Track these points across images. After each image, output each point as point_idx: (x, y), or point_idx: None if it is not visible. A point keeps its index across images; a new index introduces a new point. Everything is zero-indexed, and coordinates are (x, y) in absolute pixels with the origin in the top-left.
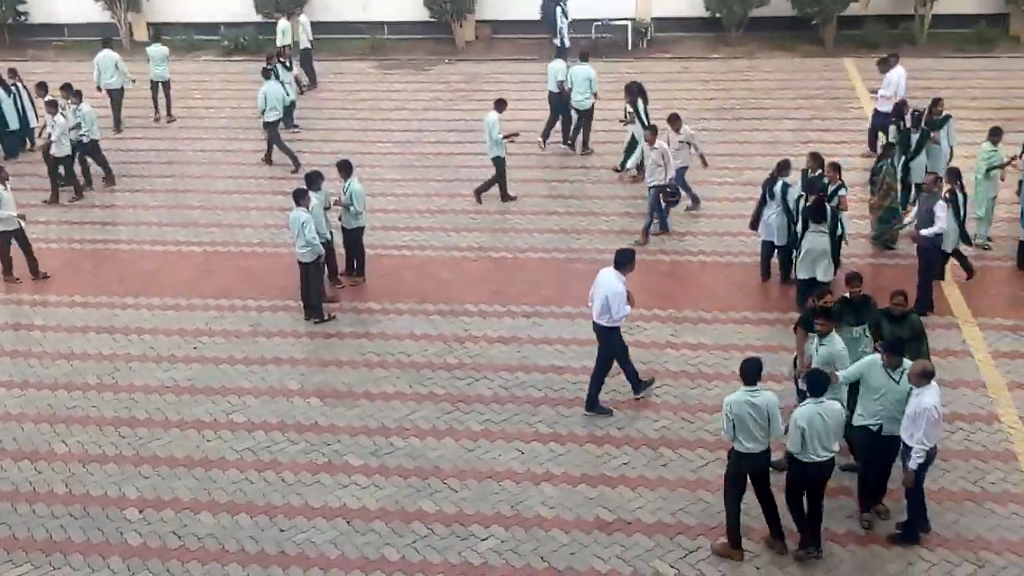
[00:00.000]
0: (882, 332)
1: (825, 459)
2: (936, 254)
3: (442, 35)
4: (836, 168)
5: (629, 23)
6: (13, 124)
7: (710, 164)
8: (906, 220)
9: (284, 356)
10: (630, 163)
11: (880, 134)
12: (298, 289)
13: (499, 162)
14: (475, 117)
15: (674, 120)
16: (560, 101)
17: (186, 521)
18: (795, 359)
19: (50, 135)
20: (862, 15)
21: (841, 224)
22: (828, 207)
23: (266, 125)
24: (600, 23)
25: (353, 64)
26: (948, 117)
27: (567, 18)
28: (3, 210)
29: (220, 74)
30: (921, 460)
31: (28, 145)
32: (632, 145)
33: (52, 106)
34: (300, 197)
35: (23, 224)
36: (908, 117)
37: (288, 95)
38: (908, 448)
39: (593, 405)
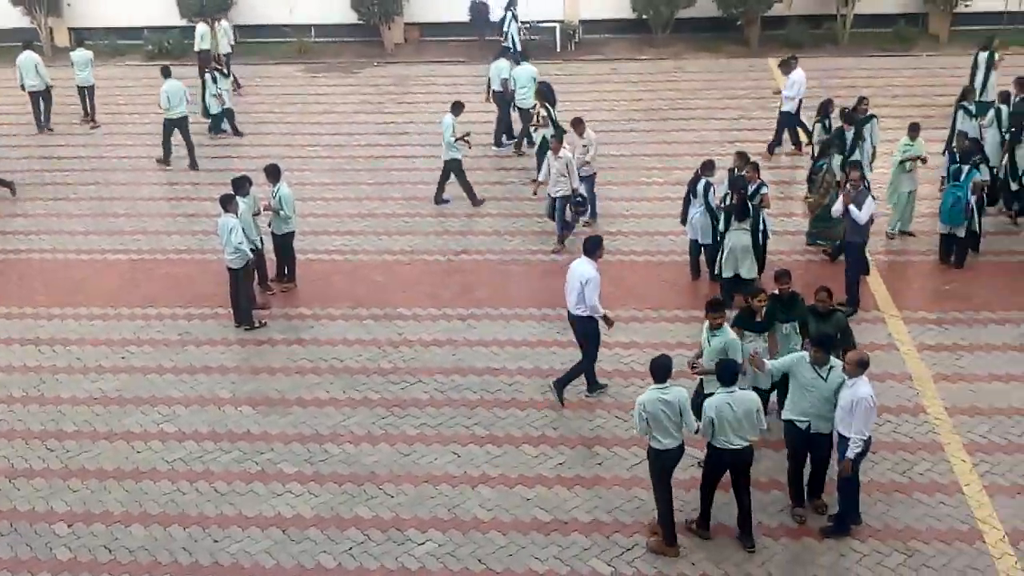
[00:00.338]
0: (809, 329)
1: (740, 447)
2: (862, 251)
3: (370, 37)
4: (755, 167)
5: (557, 25)
6: None
7: (638, 165)
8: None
9: (214, 364)
10: (540, 175)
11: (799, 131)
12: (228, 296)
13: (453, 164)
14: (406, 120)
15: (578, 124)
16: (504, 100)
17: (117, 534)
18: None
19: None
20: (785, 15)
21: (763, 222)
22: (750, 205)
23: (168, 123)
24: (529, 25)
25: (280, 68)
26: (872, 116)
27: (517, 21)
28: None
29: (144, 79)
30: (859, 449)
31: None
32: (544, 147)
33: None
34: (228, 203)
35: None
36: (836, 115)
37: (225, 102)
38: (845, 439)
39: (593, 387)
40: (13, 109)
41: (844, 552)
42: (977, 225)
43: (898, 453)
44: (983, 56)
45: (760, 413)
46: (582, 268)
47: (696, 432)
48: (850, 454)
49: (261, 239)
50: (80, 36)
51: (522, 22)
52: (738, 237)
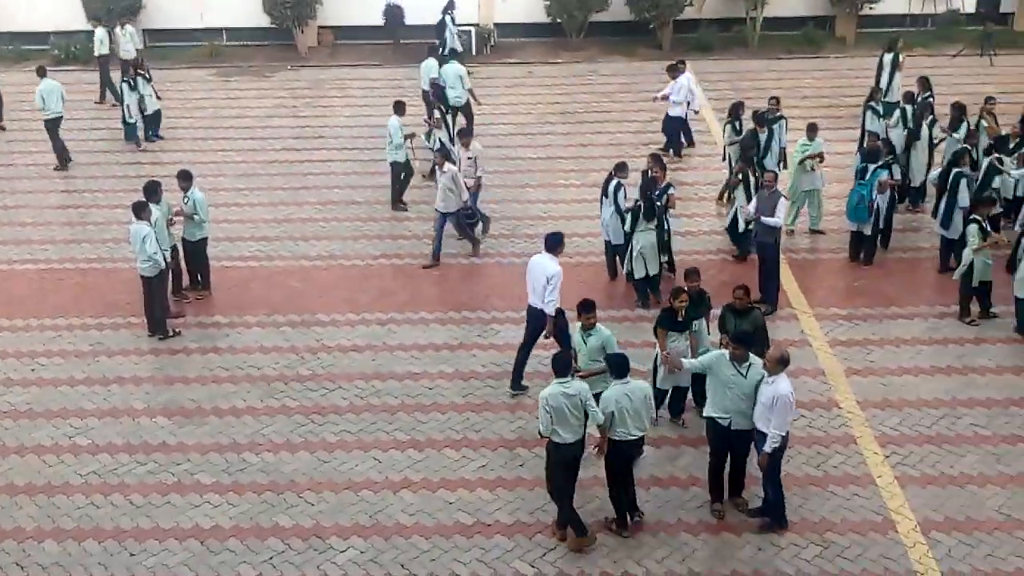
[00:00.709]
0: (727, 326)
1: (635, 438)
2: (776, 251)
3: (283, 41)
4: (663, 167)
5: (473, 29)
6: None
7: (555, 167)
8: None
9: (128, 375)
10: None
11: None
12: (141, 305)
13: (397, 166)
14: (320, 124)
15: (464, 136)
16: (434, 99)
17: (29, 551)
18: (656, 357)
19: None
20: (696, 19)
21: (666, 221)
22: (655, 205)
23: (47, 124)
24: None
25: (191, 72)
26: (781, 117)
27: (455, 24)
28: None
29: None
30: (777, 444)
31: None
32: (441, 150)
33: None
34: (140, 210)
35: None
36: (747, 116)
37: (146, 108)
38: (763, 435)
39: (517, 384)
40: None
41: (762, 546)
42: (884, 223)
43: (813, 447)
44: (888, 57)
45: (650, 399)
46: (545, 264)
47: (602, 423)
48: (767, 449)
49: (176, 246)
50: None
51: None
52: (646, 237)
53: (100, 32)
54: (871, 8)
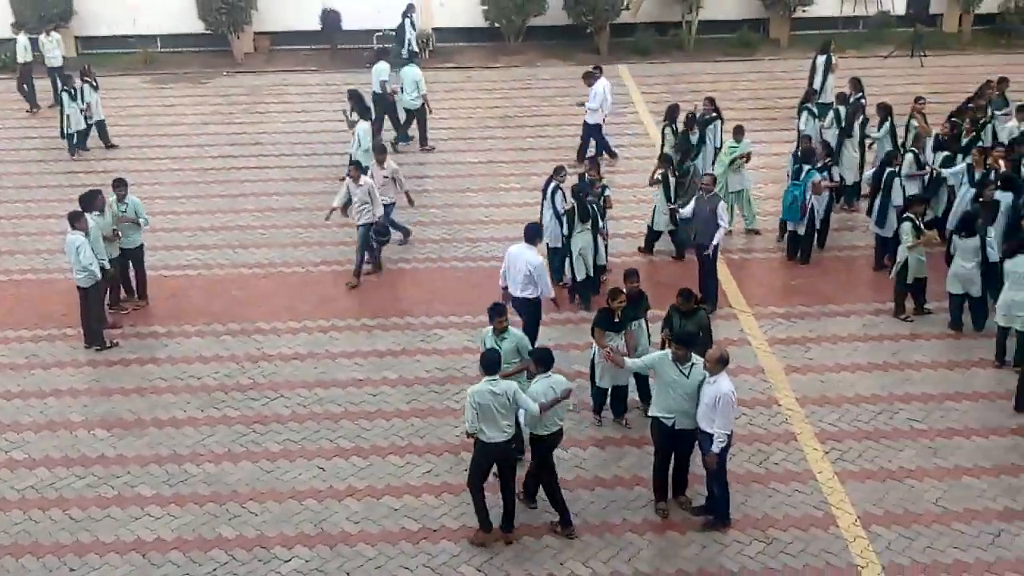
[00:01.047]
0: (672, 326)
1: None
2: (715, 252)
3: (219, 47)
4: (597, 168)
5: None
6: None
7: (496, 172)
8: (683, 212)
9: (64, 387)
10: (336, 201)
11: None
12: (77, 316)
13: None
14: (257, 130)
15: (380, 152)
16: (384, 101)
17: None
18: (593, 356)
19: None
20: (633, 23)
21: (602, 221)
22: (589, 207)
23: None
24: (381, 33)
25: (125, 79)
26: (716, 118)
27: (415, 29)
28: None
29: None
30: (723, 444)
31: None
32: (356, 163)
33: None
34: (75, 220)
35: None
36: (684, 119)
37: (92, 116)
38: (707, 435)
39: None
40: None
41: (707, 544)
42: (821, 223)
43: (754, 444)
44: (821, 59)
45: (519, 393)
46: (527, 255)
47: (535, 413)
48: (714, 448)
49: (118, 254)
50: None
51: (375, 31)
52: (583, 238)
53: (22, 39)
54: (804, 11)
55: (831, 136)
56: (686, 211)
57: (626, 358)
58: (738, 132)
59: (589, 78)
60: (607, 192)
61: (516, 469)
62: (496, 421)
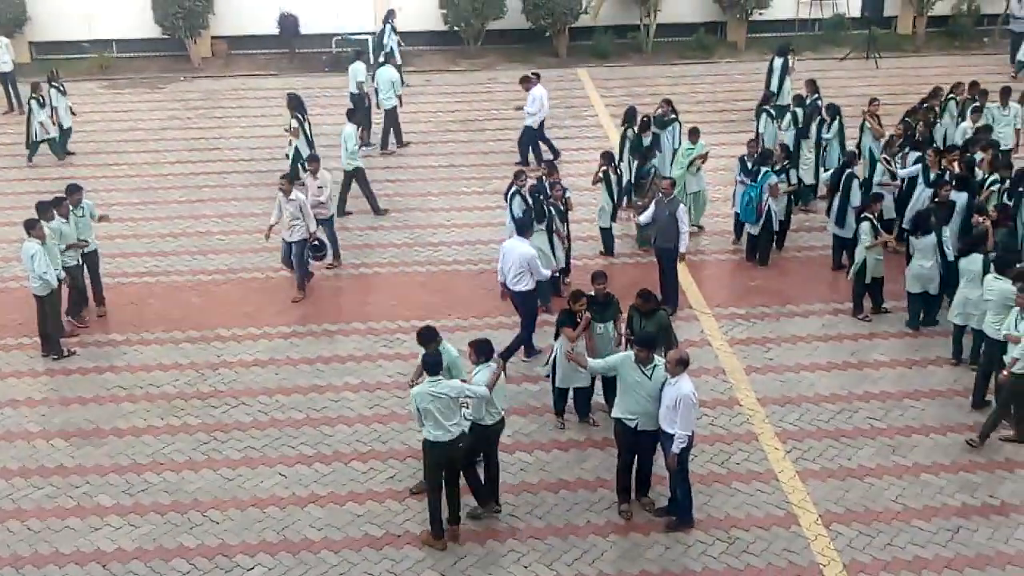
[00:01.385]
0: (632, 327)
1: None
2: (675, 254)
3: (176, 52)
4: (555, 171)
5: (369, 37)
6: None
7: (457, 175)
8: (641, 219)
9: (21, 397)
10: (273, 218)
11: (542, 146)
12: (34, 325)
13: (358, 173)
14: (216, 135)
15: (312, 161)
16: (361, 102)
17: None
18: (554, 358)
19: None
20: (592, 26)
21: (562, 224)
22: (544, 208)
23: None
24: (340, 37)
25: (81, 85)
26: (674, 120)
27: (396, 33)
28: None
29: None
30: (684, 444)
31: None
32: (297, 158)
33: None
34: (30, 227)
35: None
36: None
37: (57, 126)
38: (669, 436)
39: (530, 353)
40: None
41: (670, 545)
42: (776, 224)
43: (716, 445)
44: (778, 62)
45: (465, 387)
46: (521, 248)
47: (486, 395)
48: (675, 449)
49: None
50: None
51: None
52: (539, 238)
53: None
54: (760, 13)
55: (789, 138)
56: (646, 215)
57: (589, 359)
58: (693, 134)
59: (527, 83)
60: (568, 194)
61: (467, 467)
62: (440, 421)
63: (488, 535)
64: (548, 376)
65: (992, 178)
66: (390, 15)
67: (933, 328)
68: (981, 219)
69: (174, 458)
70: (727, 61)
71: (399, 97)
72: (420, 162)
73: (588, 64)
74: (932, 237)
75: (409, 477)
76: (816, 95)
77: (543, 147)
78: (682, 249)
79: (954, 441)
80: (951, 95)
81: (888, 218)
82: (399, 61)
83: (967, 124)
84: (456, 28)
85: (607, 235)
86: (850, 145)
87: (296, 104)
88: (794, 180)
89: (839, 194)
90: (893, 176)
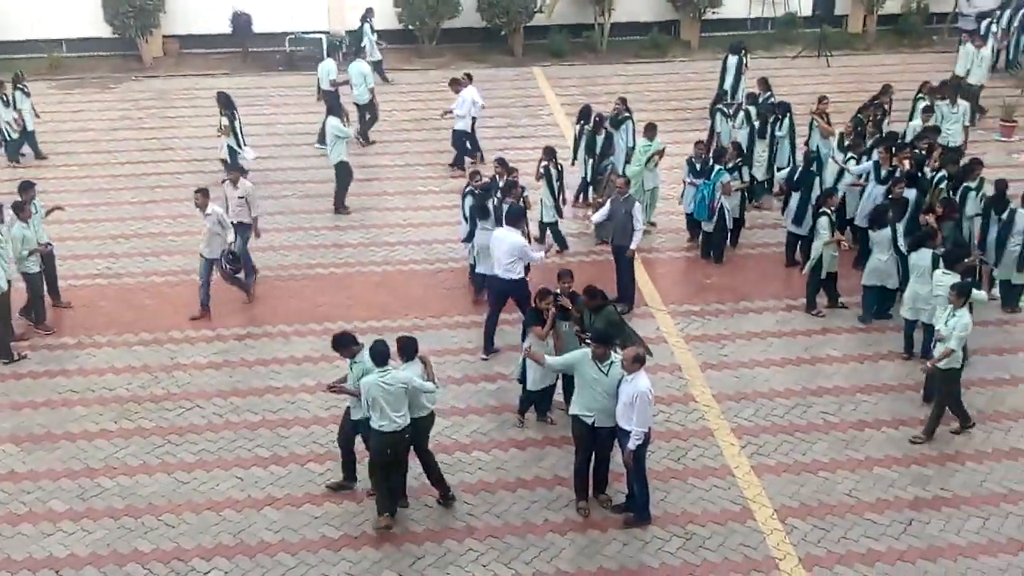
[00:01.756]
0: (583, 324)
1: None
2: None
3: (127, 51)
4: (507, 168)
5: (323, 36)
6: None
7: (413, 175)
8: (595, 218)
9: None
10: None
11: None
12: None
13: (339, 167)
14: (168, 135)
15: (232, 171)
16: (334, 99)
17: None
18: (523, 361)
19: None
20: (547, 25)
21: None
22: (489, 206)
23: None
24: (293, 36)
25: (31, 85)
26: (628, 118)
27: (374, 33)
28: None
29: None
30: (640, 441)
31: None
32: (232, 155)
33: None
34: None
35: None
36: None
37: (26, 124)
38: (626, 433)
39: (490, 350)
40: None
41: (627, 541)
42: (730, 221)
43: (672, 441)
44: (732, 60)
45: (414, 379)
46: (511, 238)
47: (433, 390)
48: (631, 446)
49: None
50: None
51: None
52: (483, 237)
53: None
54: (714, 12)
55: (742, 136)
56: (602, 213)
57: (547, 357)
58: (650, 130)
59: (456, 85)
60: (525, 193)
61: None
62: (386, 411)
63: (446, 535)
64: (519, 379)
65: (940, 175)
66: (368, 13)
67: (885, 323)
68: (928, 218)
69: (128, 462)
70: (681, 60)
71: (371, 90)
72: (376, 161)
73: (543, 63)
74: (888, 231)
75: (366, 478)
76: (769, 93)
77: (468, 146)
78: (632, 246)
79: (906, 435)
80: (919, 95)
81: (849, 217)
82: (379, 58)
83: (917, 123)
84: (411, 27)
85: (554, 230)
86: (801, 143)
87: (225, 102)
88: (747, 178)
89: (800, 192)
90: (841, 174)
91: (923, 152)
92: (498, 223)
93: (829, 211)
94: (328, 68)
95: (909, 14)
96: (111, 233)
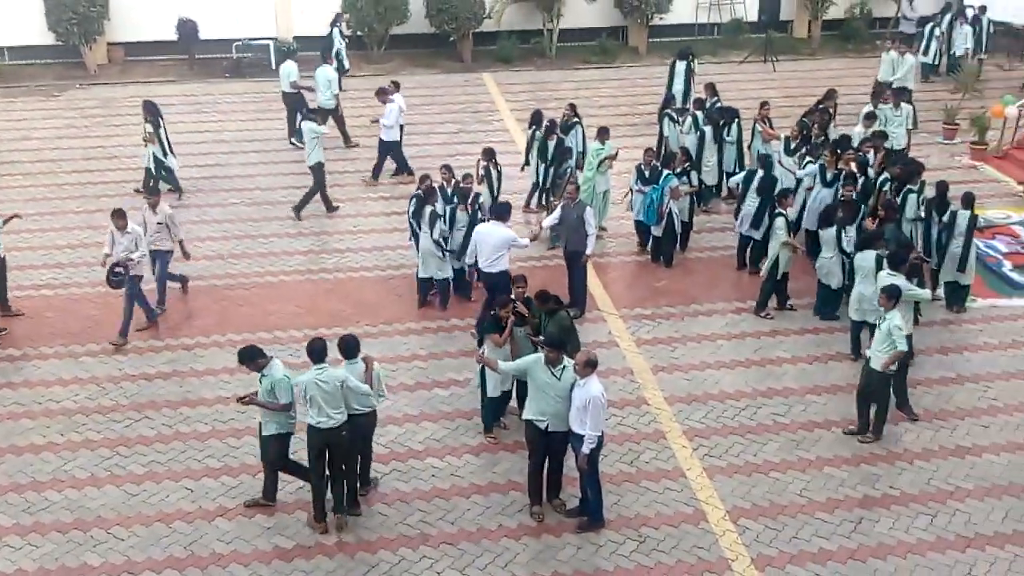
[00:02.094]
0: (540, 330)
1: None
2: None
3: (71, 59)
4: (450, 171)
5: (271, 43)
6: None
7: (362, 181)
8: (545, 223)
9: None
10: (108, 247)
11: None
12: None
13: (315, 168)
14: (114, 144)
15: (151, 195)
16: (295, 101)
17: None
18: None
19: None
20: (496, 31)
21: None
22: (433, 212)
23: None
24: (240, 43)
25: None
26: (577, 123)
27: (344, 38)
28: None
29: None
30: (593, 445)
31: None
32: (159, 166)
33: None
34: None
35: None
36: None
37: None
38: (579, 437)
39: None
40: None
41: (581, 545)
42: (679, 225)
43: (625, 444)
44: (680, 65)
45: (350, 379)
46: (499, 232)
47: (371, 393)
48: (585, 450)
49: None
50: None
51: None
52: (425, 241)
53: None
54: (661, 18)
55: (691, 141)
56: (553, 218)
57: (500, 363)
58: (603, 134)
59: (383, 95)
60: (481, 200)
61: (348, 455)
62: (323, 408)
63: (400, 542)
64: (478, 387)
65: (883, 177)
66: (338, 19)
67: (832, 324)
68: (867, 221)
69: (76, 475)
70: (629, 65)
71: (336, 96)
72: (330, 168)
73: (493, 69)
74: (833, 230)
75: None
76: (716, 99)
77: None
78: (588, 251)
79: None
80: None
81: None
82: (347, 65)
83: (860, 128)
84: (360, 33)
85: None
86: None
87: (151, 110)
88: (696, 182)
89: (761, 196)
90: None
91: (865, 156)
92: (451, 227)
93: (785, 212)
94: (288, 70)
95: (853, 19)
96: (56, 243)
